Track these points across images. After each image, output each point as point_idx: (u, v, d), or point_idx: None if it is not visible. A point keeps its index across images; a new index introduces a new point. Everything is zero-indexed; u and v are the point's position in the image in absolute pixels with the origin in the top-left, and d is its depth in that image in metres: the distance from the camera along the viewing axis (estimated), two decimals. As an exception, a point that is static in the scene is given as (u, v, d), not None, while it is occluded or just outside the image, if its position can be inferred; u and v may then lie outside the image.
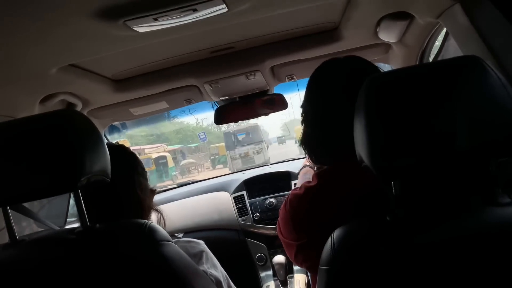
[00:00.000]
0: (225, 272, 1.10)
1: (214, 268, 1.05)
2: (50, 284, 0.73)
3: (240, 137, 15.70)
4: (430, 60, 1.48)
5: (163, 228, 1.06)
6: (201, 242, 1.08)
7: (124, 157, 1.07)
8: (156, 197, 1.12)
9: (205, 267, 1.02)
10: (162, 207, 1.16)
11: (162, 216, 1.14)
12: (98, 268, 0.73)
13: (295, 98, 1.95)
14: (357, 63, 0.94)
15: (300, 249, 0.89)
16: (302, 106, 0.98)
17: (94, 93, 1.54)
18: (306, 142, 0.98)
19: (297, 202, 0.91)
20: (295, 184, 2.22)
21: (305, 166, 1.38)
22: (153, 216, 1.13)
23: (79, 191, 0.78)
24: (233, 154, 15.25)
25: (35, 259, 0.76)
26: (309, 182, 0.92)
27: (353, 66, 0.93)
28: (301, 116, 0.98)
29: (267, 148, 16.55)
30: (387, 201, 0.68)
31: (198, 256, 1.03)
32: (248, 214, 2.23)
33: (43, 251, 0.78)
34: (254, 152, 14.79)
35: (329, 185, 0.87)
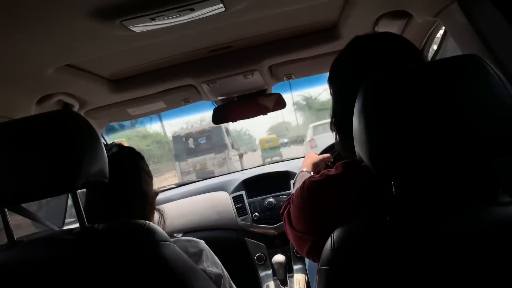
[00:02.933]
0: (227, 273, 1.11)
1: (215, 265, 1.06)
2: (48, 285, 0.73)
3: (196, 143, 11.80)
4: (429, 59, 1.49)
5: (163, 228, 1.07)
6: (201, 241, 1.09)
7: (132, 156, 1.10)
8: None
9: (204, 265, 1.02)
10: (160, 207, 1.17)
11: (163, 216, 1.15)
12: (97, 269, 0.73)
13: (287, 98, 1.95)
14: (389, 39, 0.88)
15: (316, 245, 0.80)
16: (329, 81, 0.93)
17: (91, 94, 1.53)
18: (337, 121, 0.91)
19: (318, 190, 0.84)
20: (293, 184, 2.22)
21: (302, 171, 1.36)
22: (155, 216, 1.14)
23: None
24: (185, 166, 11.43)
25: (33, 260, 0.76)
26: (329, 170, 0.86)
27: (384, 42, 0.87)
28: (330, 94, 0.93)
29: (241, 156, 13.54)
30: (388, 201, 0.68)
31: (197, 254, 1.03)
32: (247, 214, 2.23)
33: (41, 252, 0.77)
34: (214, 164, 11.18)
35: (354, 176, 0.80)
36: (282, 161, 2.79)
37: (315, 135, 13.04)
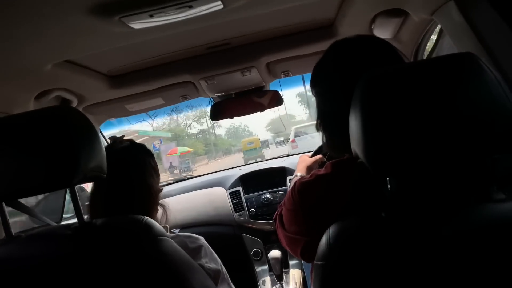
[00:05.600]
0: (225, 269, 1.11)
1: (214, 261, 1.06)
2: (46, 280, 0.73)
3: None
4: (425, 57, 1.49)
5: (166, 223, 1.09)
6: (201, 237, 1.10)
7: (141, 152, 1.12)
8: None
9: (203, 261, 1.02)
10: (164, 202, 1.19)
11: (166, 211, 1.16)
12: (95, 264, 0.73)
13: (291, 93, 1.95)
14: (368, 41, 0.90)
15: (309, 246, 0.82)
16: (312, 82, 0.93)
17: (89, 89, 1.54)
18: (324, 121, 0.92)
19: (309, 190, 0.85)
20: (290, 180, 2.22)
21: (296, 175, 1.37)
22: (159, 211, 1.16)
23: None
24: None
25: (31, 255, 0.76)
26: (319, 170, 0.87)
27: (365, 44, 0.89)
28: (313, 95, 0.94)
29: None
30: (383, 198, 0.69)
31: (196, 250, 1.04)
32: (244, 210, 2.24)
33: (39, 248, 0.78)
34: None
35: (344, 175, 0.82)
36: (280, 157, 2.79)
37: (296, 136, 13.49)
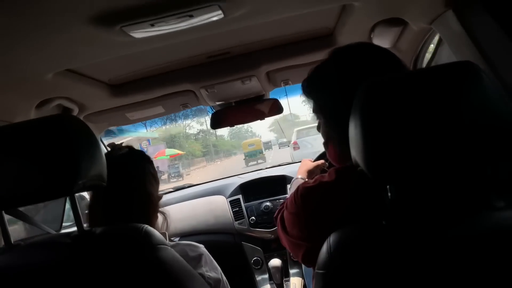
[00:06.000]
0: (225, 278, 1.11)
1: (214, 270, 1.06)
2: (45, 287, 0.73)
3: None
4: (424, 65, 1.50)
5: (167, 231, 1.09)
6: (201, 245, 1.09)
7: (140, 159, 1.12)
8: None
9: (203, 270, 1.02)
10: (164, 210, 1.18)
11: (166, 219, 1.16)
12: (94, 272, 0.73)
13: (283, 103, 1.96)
14: (369, 48, 0.90)
15: (311, 252, 0.81)
16: (310, 88, 0.93)
17: (90, 98, 1.54)
18: (335, 124, 0.91)
19: (311, 196, 0.85)
20: (289, 190, 2.22)
21: (297, 178, 1.37)
22: (159, 219, 1.15)
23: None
24: None
25: (31, 264, 0.76)
26: (322, 176, 0.87)
27: (366, 51, 0.89)
28: (311, 100, 0.94)
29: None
30: (383, 205, 0.69)
31: (197, 259, 1.04)
32: (244, 218, 2.23)
33: (39, 256, 0.78)
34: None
35: (346, 183, 0.82)
36: (279, 165, 2.79)
37: (298, 138, 13.61)
